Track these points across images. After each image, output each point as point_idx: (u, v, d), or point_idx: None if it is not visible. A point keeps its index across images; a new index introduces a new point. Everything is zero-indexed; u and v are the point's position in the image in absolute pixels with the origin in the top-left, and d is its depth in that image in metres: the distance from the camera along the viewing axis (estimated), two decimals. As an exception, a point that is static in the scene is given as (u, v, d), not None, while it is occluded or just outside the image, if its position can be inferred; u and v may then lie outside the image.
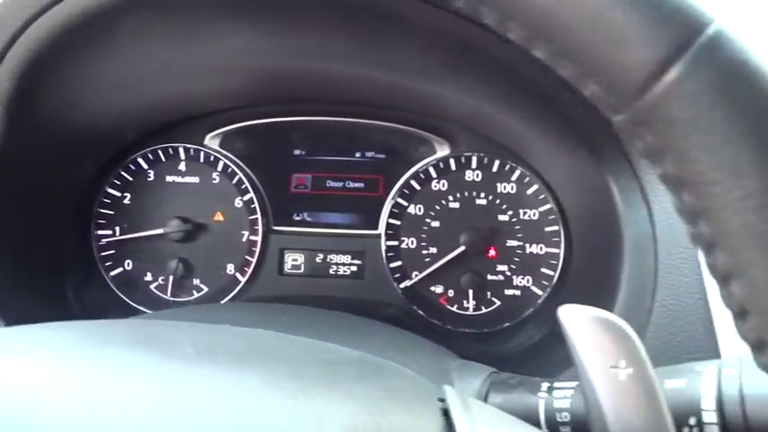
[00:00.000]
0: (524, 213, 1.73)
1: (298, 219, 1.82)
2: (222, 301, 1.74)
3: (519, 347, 1.64)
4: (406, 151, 1.80)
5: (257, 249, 1.75)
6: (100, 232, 1.76)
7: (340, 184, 1.82)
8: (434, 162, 1.76)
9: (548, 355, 1.42)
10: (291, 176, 1.82)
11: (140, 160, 1.78)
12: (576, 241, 1.56)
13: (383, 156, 1.82)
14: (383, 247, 1.74)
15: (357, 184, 1.82)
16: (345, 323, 1.10)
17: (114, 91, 1.46)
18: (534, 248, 1.73)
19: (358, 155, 1.84)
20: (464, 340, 1.69)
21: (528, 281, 1.73)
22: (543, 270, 1.72)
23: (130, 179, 1.78)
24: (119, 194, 1.77)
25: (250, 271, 1.75)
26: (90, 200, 1.74)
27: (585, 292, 1.49)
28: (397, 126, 1.76)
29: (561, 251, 1.70)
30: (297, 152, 1.83)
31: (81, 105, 1.44)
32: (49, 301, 1.55)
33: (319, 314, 1.14)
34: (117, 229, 1.77)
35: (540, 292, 1.72)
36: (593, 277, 1.43)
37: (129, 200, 1.77)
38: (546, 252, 1.72)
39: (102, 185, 1.76)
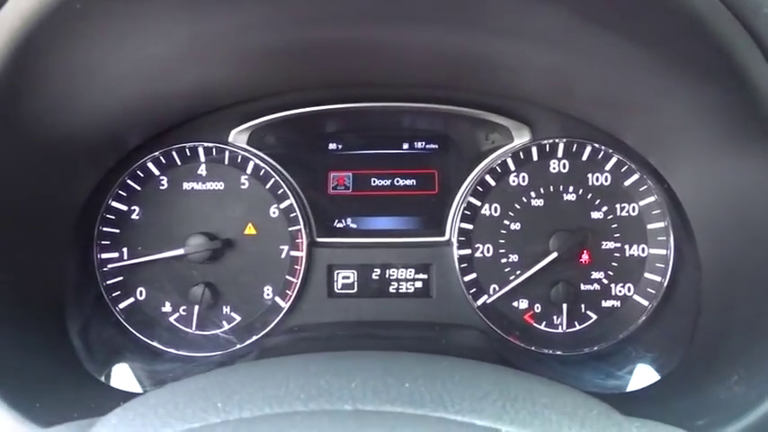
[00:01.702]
0: (622, 209, 1.47)
1: (340, 226, 1.55)
2: (261, 333, 1.46)
3: (628, 376, 1.36)
4: (471, 140, 1.53)
5: (301, 267, 1.47)
6: (104, 256, 1.46)
7: (386, 182, 1.56)
8: (512, 152, 1.48)
9: (683, 398, 1.12)
10: (329, 175, 1.55)
11: (150, 165, 1.49)
12: (701, 242, 1.27)
13: (436, 146, 1.57)
14: (455, 257, 1.47)
15: (407, 182, 1.56)
16: (486, 375, 0.83)
17: (119, 80, 1.16)
18: (635, 250, 1.48)
19: (406, 146, 1.58)
20: (555, 365, 1.43)
21: (629, 289, 1.48)
22: (648, 276, 1.46)
23: (138, 189, 1.48)
24: (125, 208, 1.47)
25: (293, 294, 1.47)
26: (91, 217, 1.44)
27: (719, 304, 1.20)
28: (457, 109, 1.48)
29: (670, 252, 1.43)
30: (332, 146, 1.57)
31: (79, 99, 1.14)
32: (47, 346, 1.24)
33: (440, 363, 0.88)
34: (125, 250, 1.47)
35: (645, 303, 1.46)
36: (735, 288, 1.14)
37: (139, 214, 1.48)
38: (650, 254, 1.46)
39: (104, 198, 1.46)
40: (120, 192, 1.45)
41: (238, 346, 1.44)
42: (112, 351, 1.39)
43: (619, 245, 1.45)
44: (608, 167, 1.45)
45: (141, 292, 1.47)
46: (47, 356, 1.19)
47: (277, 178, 1.46)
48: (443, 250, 1.47)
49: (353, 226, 1.53)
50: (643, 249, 1.45)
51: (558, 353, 1.44)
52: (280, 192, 1.46)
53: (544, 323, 1.46)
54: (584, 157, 1.46)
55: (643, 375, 1.32)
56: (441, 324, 1.43)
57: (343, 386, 0.70)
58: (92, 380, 1.21)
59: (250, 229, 1.47)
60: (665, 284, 1.42)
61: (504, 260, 1.46)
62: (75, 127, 1.19)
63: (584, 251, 1.45)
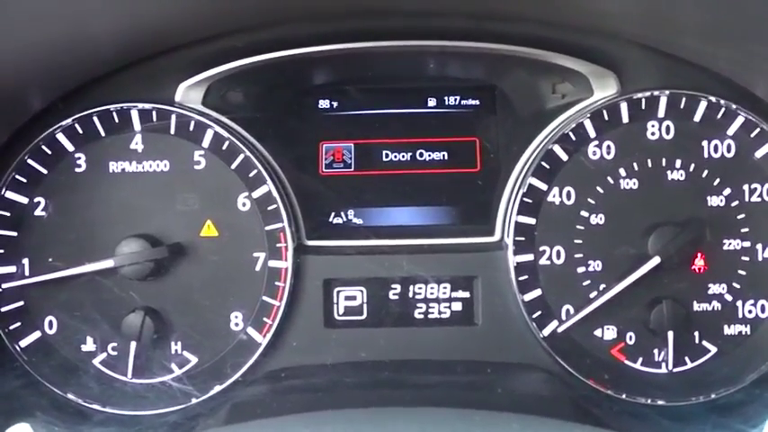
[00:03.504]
0: (752, 191, 1.39)
1: (339, 222, 1.49)
2: (230, 380, 1.38)
3: None
4: (530, 93, 1.46)
5: (285, 284, 1.39)
6: None
7: (405, 156, 1.49)
8: (592, 111, 1.40)
9: None
10: (319, 147, 1.49)
11: (61, 137, 1.40)
12: None
13: (477, 102, 1.50)
14: (510, 266, 1.40)
15: (436, 155, 1.49)
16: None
17: (18, 21, 1.09)
18: (772, 251, 1.43)
19: (433, 103, 1.51)
20: (658, 421, 1.35)
21: (763, 308, 1.40)
22: (791, 289, 1.42)
23: (44, 172, 1.40)
24: (25, 201, 1.40)
25: (275, 323, 1.39)
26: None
27: None
28: (509, 49, 1.39)
29: (825, 254, 1.40)
30: (324, 104, 1.51)
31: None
32: None
33: (507, 425, 0.89)
34: (25, 263, 1.39)
35: (788, 328, 1.41)
36: None
37: (45, 209, 1.40)
38: (793, 256, 1.42)
39: None
40: (17, 177, 1.38)
41: (197, 400, 1.37)
42: (18, 411, 1.32)
43: (748, 244, 1.38)
44: (731, 131, 1.38)
45: (51, 323, 1.39)
46: None
47: (247, 154, 1.39)
48: (492, 256, 1.40)
49: (358, 222, 1.48)
50: (783, 250, 1.39)
51: (662, 403, 1.38)
52: (251, 174, 1.39)
53: (641, 360, 1.40)
54: (697, 117, 1.39)
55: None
56: (493, 364, 1.37)
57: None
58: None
59: (209, 230, 1.40)
60: (818, 302, 1.38)
61: (581, 269, 1.39)
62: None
63: (699, 254, 1.38)
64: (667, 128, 1.39)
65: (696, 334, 1.39)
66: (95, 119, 1.38)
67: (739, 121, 1.37)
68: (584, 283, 1.39)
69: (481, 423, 0.90)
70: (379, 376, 1.35)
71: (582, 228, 1.39)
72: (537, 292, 1.39)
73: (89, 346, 1.39)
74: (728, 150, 1.38)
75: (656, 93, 1.38)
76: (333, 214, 1.47)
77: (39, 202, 1.39)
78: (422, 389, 1.30)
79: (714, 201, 1.38)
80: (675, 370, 1.39)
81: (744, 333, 1.39)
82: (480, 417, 0.94)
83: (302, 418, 1.03)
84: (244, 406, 1.26)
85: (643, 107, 1.39)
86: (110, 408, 1.37)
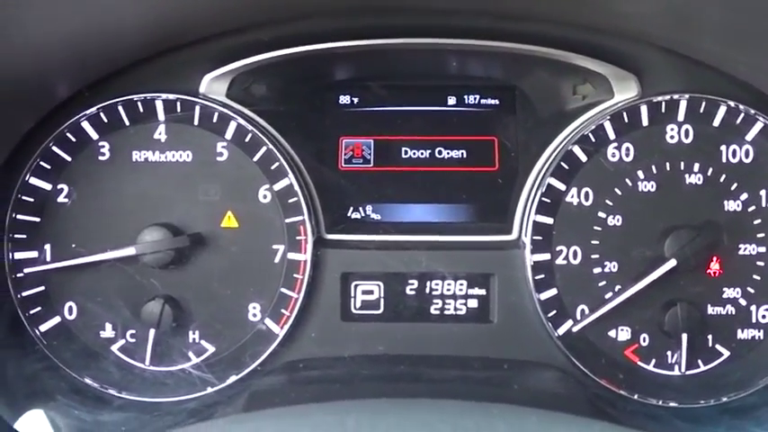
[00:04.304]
0: None
1: (357, 217, 1.52)
2: (246, 370, 1.40)
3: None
4: (550, 94, 1.48)
5: (304, 277, 1.42)
6: (18, 256, 1.41)
7: (424, 154, 1.52)
8: (612, 113, 1.42)
9: None
10: (339, 142, 1.51)
11: (86, 126, 1.42)
12: None
13: (496, 101, 1.52)
14: (527, 265, 1.42)
15: (455, 153, 1.51)
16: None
17: (46, 11, 1.11)
18: (787, 258, 1.44)
19: (453, 101, 1.53)
20: (670, 421, 1.38)
21: None
22: (804, 295, 1.43)
23: (68, 159, 1.42)
24: (48, 187, 1.42)
25: (293, 315, 1.42)
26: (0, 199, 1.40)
27: None
28: (530, 49, 1.41)
29: (840, 261, 1.41)
30: (345, 100, 1.53)
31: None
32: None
33: (527, 419, 0.91)
34: (47, 248, 1.42)
35: (800, 334, 1.43)
36: None
37: (68, 196, 1.42)
38: (808, 263, 1.43)
39: (19, 173, 1.40)
40: (41, 164, 1.40)
41: (214, 389, 1.39)
42: (38, 394, 1.36)
43: (764, 249, 1.40)
44: (750, 137, 1.40)
45: (71, 308, 1.42)
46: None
47: (270, 146, 1.41)
48: (509, 254, 1.42)
49: (376, 217, 1.50)
50: (798, 257, 1.41)
51: (674, 404, 1.40)
52: (273, 167, 1.41)
53: (654, 361, 1.41)
54: (716, 122, 1.40)
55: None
56: (508, 361, 1.39)
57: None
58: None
59: (230, 221, 1.42)
60: (832, 308, 1.39)
61: (597, 270, 1.41)
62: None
63: (714, 258, 1.40)
64: (686, 131, 1.40)
65: (710, 337, 1.40)
66: (120, 108, 1.40)
67: (758, 126, 1.39)
68: (600, 284, 1.40)
69: (500, 415, 0.91)
70: (396, 370, 1.36)
71: (599, 229, 1.41)
72: (553, 292, 1.41)
73: (108, 332, 1.42)
74: (746, 155, 1.40)
75: (676, 96, 1.39)
76: (351, 209, 1.49)
77: (62, 189, 1.41)
78: (438, 383, 1.32)
79: (731, 205, 1.40)
80: (688, 372, 1.40)
81: (757, 338, 1.40)
82: (499, 409, 0.95)
83: (321, 408, 1.05)
84: (261, 395, 1.28)
85: (663, 110, 1.40)
86: (128, 394, 1.39)
